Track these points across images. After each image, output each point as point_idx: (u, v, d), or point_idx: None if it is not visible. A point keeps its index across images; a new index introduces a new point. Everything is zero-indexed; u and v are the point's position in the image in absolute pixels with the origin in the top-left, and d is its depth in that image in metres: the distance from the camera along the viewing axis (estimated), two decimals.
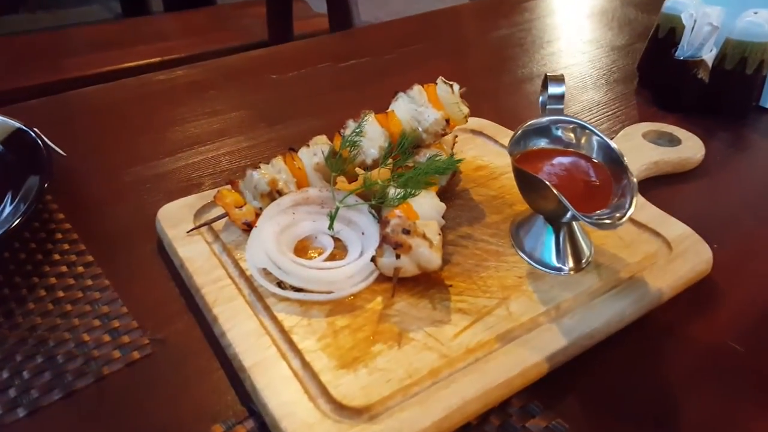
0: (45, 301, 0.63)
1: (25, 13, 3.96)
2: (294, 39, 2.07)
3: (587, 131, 0.66)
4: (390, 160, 0.71)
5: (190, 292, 0.63)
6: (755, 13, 0.97)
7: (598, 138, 0.65)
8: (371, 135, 0.71)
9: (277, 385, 0.50)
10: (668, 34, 1.10)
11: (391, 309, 0.59)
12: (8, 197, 0.72)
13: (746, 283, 0.67)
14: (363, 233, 0.67)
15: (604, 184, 0.63)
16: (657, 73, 1.11)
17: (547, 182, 0.57)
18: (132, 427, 0.51)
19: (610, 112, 1.06)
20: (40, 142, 0.78)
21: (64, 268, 0.67)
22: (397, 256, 0.58)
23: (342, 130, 0.72)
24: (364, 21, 2.13)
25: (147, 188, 0.83)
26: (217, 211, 0.71)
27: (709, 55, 1.02)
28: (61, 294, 0.64)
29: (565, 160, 0.66)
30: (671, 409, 0.53)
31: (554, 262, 0.64)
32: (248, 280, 0.62)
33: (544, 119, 0.68)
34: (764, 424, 0.52)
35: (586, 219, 0.55)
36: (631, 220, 0.69)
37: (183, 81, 1.21)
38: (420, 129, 0.72)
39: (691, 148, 0.88)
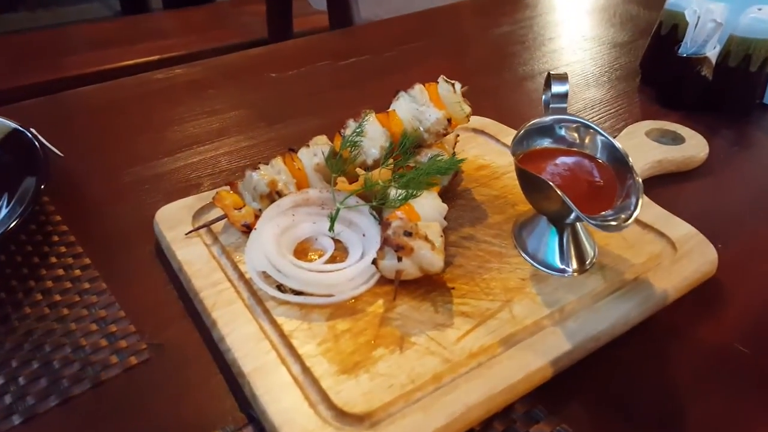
0: (41, 305, 0.62)
1: (24, 11, 3.95)
2: (294, 37, 2.06)
3: (591, 130, 0.65)
4: (391, 161, 0.70)
5: (189, 296, 0.62)
6: (759, 9, 0.97)
7: (603, 137, 0.64)
8: (372, 135, 0.70)
9: (276, 391, 0.49)
10: (671, 30, 1.09)
11: (393, 312, 0.58)
12: (4, 199, 0.71)
13: (752, 283, 0.66)
14: (364, 235, 0.66)
15: (608, 185, 0.62)
16: (660, 70, 1.10)
17: (550, 183, 0.56)
18: None
19: (612, 110, 1.05)
20: (36, 142, 0.78)
21: (60, 271, 0.66)
22: (399, 259, 0.57)
23: (342, 130, 0.71)
24: (364, 18, 2.12)
25: (145, 189, 0.82)
26: (216, 212, 0.70)
27: (712, 52, 1.01)
28: (57, 298, 0.63)
29: (568, 159, 0.65)
30: (677, 412, 0.52)
31: (558, 263, 0.63)
32: (247, 284, 0.61)
33: (548, 118, 0.67)
34: None
35: (591, 221, 0.54)
36: (636, 220, 0.68)
37: (182, 80, 1.20)
38: (421, 129, 0.71)
39: (694, 146, 0.87)
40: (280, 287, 0.60)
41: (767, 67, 0.97)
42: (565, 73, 0.69)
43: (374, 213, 0.67)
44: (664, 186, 0.81)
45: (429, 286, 0.61)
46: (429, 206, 0.64)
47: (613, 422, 0.51)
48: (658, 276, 0.62)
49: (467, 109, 0.72)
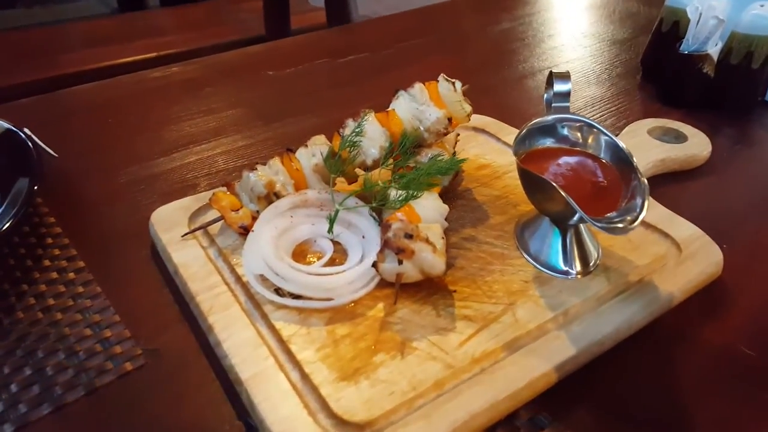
0: (34, 310, 0.60)
1: (22, 8, 3.93)
2: (291, 34, 2.05)
3: (594, 130, 0.64)
4: (391, 161, 0.69)
5: (185, 299, 0.61)
6: (762, 6, 0.95)
7: (606, 137, 0.63)
8: (371, 135, 0.68)
9: (275, 399, 0.48)
10: (672, 27, 1.08)
11: (393, 316, 0.57)
12: None
13: (757, 284, 0.65)
14: (363, 236, 0.65)
15: (612, 185, 0.61)
16: (661, 67, 1.09)
17: (554, 184, 0.55)
18: None
19: (613, 108, 1.04)
20: (30, 142, 0.76)
21: (54, 275, 0.65)
22: (400, 262, 0.56)
23: (341, 130, 0.69)
24: (362, 15, 2.10)
25: (141, 190, 0.81)
26: (213, 214, 0.69)
27: (714, 50, 1.00)
28: (51, 302, 0.61)
29: (571, 159, 0.64)
30: (683, 416, 0.51)
31: (561, 265, 0.62)
32: (245, 287, 0.60)
33: (550, 117, 0.66)
34: None
35: (597, 223, 0.52)
36: None
37: (178, 78, 1.19)
38: (421, 128, 0.70)
39: (697, 144, 0.86)
40: (278, 291, 0.59)
41: None
42: (568, 72, 0.68)
43: (374, 214, 0.66)
44: (667, 185, 0.80)
45: (430, 289, 0.60)
46: (430, 207, 0.63)
47: (618, 428, 0.51)
48: (663, 278, 0.61)
49: (468, 108, 0.71)
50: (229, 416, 0.50)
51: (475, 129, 0.89)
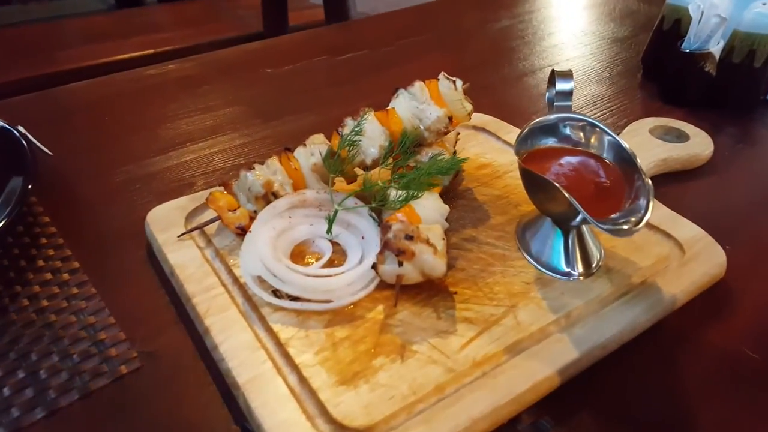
0: (28, 311, 0.59)
1: (17, 4, 3.90)
2: (289, 31, 2.03)
3: (597, 129, 0.63)
4: (390, 160, 0.68)
5: (181, 301, 0.60)
6: (764, 4, 0.95)
7: (609, 136, 0.62)
8: (371, 134, 0.67)
9: (273, 403, 0.47)
10: (673, 25, 1.07)
11: (393, 319, 0.56)
12: None
13: (761, 286, 0.65)
14: (363, 237, 0.64)
15: (615, 185, 0.60)
16: (662, 66, 1.08)
17: (557, 184, 0.54)
18: None
19: (614, 107, 1.04)
20: (24, 140, 0.75)
21: (48, 275, 0.64)
22: (400, 263, 0.55)
23: (340, 129, 0.68)
24: (361, 12, 2.09)
25: (137, 189, 0.80)
26: (210, 213, 0.68)
27: (716, 48, 0.99)
28: (45, 303, 0.60)
29: (573, 159, 0.63)
30: (686, 419, 0.51)
31: (563, 266, 0.61)
32: (242, 289, 0.59)
33: (552, 117, 0.65)
34: None
35: (601, 225, 0.52)
36: None
37: (175, 75, 1.18)
38: (422, 127, 0.69)
39: (699, 144, 0.85)
40: (276, 292, 0.58)
41: None
42: (570, 70, 0.67)
43: (373, 215, 0.65)
44: (669, 185, 0.79)
45: (430, 291, 0.59)
46: (430, 208, 0.62)
47: (620, 430, 0.50)
48: (666, 279, 0.60)
49: (469, 106, 0.70)
50: (226, 421, 0.49)
51: (475, 128, 0.88)
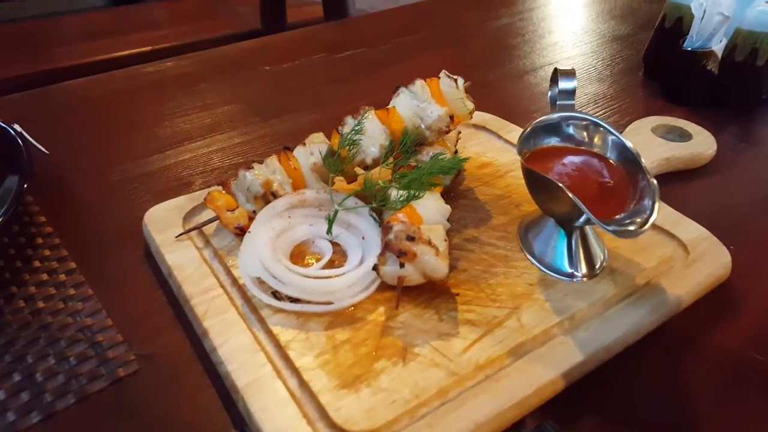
0: (24, 313, 0.58)
1: (15, 0, 3.88)
2: (288, 28, 2.02)
3: (600, 129, 0.63)
4: (391, 160, 0.67)
5: (179, 303, 0.59)
6: (767, 2, 0.94)
7: (613, 136, 0.61)
8: (371, 132, 0.66)
9: (272, 408, 0.47)
10: (675, 23, 1.06)
11: (395, 321, 0.55)
12: None
13: (765, 287, 0.64)
14: (363, 238, 0.63)
15: (619, 186, 0.59)
16: (664, 64, 1.08)
17: (561, 185, 0.54)
18: None
19: (615, 105, 1.03)
20: (20, 139, 0.74)
21: (44, 276, 0.63)
22: (401, 265, 0.54)
23: (340, 128, 0.67)
24: (360, 10, 2.08)
25: (134, 188, 0.79)
26: (208, 213, 0.67)
27: (718, 46, 0.98)
28: (41, 304, 0.59)
29: (576, 159, 0.62)
30: (692, 422, 0.50)
31: (566, 267, 0.60)
32: (241, 290, 0.58)
33: (555, 116, 0.64)
34: None
35: (607, 227, 0.51)
36: None
37: (172, 73, 1.16)
38: (423, 126, 0.68)
39: (702, 143, 0.84)
40: (276, 294, 0.57)
41: None
42: (573, 69, 0.66)
43: (374, 215, 0.65)
44: (671, 184, 0.79)
45: (432, 293, 0.58)
46: (432, 208, 0.61)
47: None
48: (671, 281, 0.59)
49: (470, 105, 0.69)
50: (225, 425, 0.49)
51: (476, 126, 0.87)
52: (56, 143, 0.85)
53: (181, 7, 2.37)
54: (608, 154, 0.62)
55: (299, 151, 0.67)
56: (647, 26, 1.26)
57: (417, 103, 0.68)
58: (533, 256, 0.62)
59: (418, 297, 0.57)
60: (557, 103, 0.66)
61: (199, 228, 0.65)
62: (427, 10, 1.56)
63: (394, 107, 0.68)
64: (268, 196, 0.65)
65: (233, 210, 0.65)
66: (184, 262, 0.61)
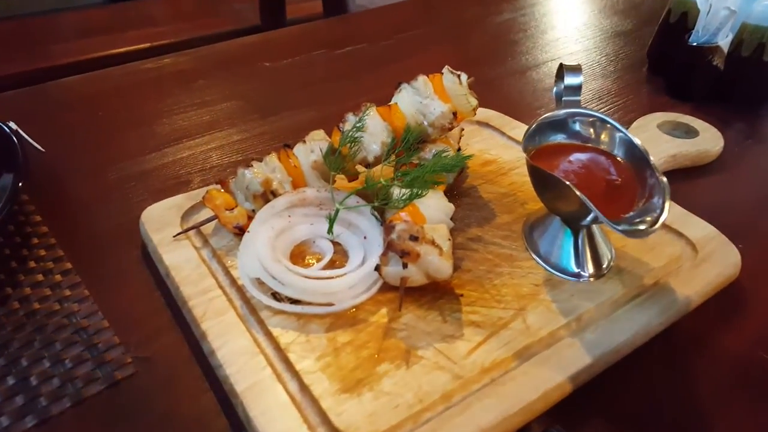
0: (18, 314, 0.57)
1: None
2: (287, 24, 2.01)
3: (607, 125, 0.61)
4: (393, 157, 0.66)
5: (177, 304, 0.58)
6: None
7: (620, 133, 0.60)
8: (373, 130, 0.65)
9: (272, 412, 0.45)
10: (680, 18, 1.05)
11: (397, 322, 0.54)
12: None
13: None
14: (365, 237, 0.62)
15: (626, 183, 0.58)
16: (668, 59, 1.06)
17: (568, 183, 0.52)
18: None
19: (619, 101, 1.02)
20: (15, 137, 0.73)
21: (40, 277, 0.62)
22: (404, 265, 0.53)
23: (341, 125, 0.66)
24: (359, 5, 2.07)
25: (131, 187, 0.78)
26: (207, 212, 0.66)
27: (724, 41, 0.97)
28: (36, 306, 0.58)
29: (583, 156, 0.61)
30: (702, 425, 0.49)
31: (573, 267, 0.59)
32: (240, 291, 0.57)
33: (561, 112, 0.63)
34: None
35: (617, 226, 0.49)
36: None
37: (171, 70, 1.15)
38: (425, 123, 0.67)
39: (709, 139, 0.83)
40: (276, 295, 0.56)
41: None
42: (579, 65, 0.65)
43: (376, 214, 0.63)
44: (678, 182, 0.77)
45: (436, 293, 0.57)
46: (435, 207, 0.60)
47: None
48: (680, 280, 0.58)
49: (474, 101, 0.68)
50: (224, 430, 0.48)
51: (479, 123, 0.86)
52: (52, 141, 0.83)
53: (179, 4, 2.35)
54: (615, 152, 0.61)
55: (299, 149, 0.66)
56: (650, 22, 1.25)
57: (419, 99, 0.67)
58: (539, 256, 0.61)
59: (421, 298, 0.56)
60: (563, 99, 0.64)
61: (197, 227, 0.64)
62: (428, 6, 1.55)
63: (396, 104, 0.67)
64: (267, 194, 0.63)
65: (232, 209, 0.63)
66: (182, 262, 0.60)
